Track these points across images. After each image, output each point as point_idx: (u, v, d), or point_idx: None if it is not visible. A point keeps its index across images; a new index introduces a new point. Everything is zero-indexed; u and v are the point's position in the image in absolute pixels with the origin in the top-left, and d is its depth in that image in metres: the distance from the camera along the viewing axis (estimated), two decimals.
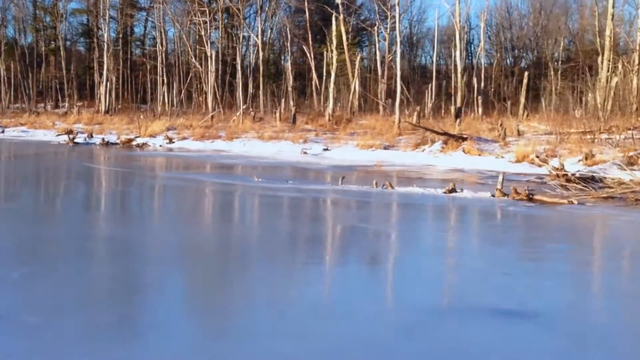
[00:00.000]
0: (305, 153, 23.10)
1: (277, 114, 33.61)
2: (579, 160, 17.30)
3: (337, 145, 24.88)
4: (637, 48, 29.36)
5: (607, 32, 32.22)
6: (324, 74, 46.19)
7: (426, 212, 11.23)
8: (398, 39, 32.18)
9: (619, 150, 17.82)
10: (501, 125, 23.99)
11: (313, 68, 47.79)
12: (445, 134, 22.02)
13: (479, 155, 19.96)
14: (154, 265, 6.61)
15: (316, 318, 4.94)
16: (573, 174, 15.25)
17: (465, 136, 22.01)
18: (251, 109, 40.59)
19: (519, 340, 4.50)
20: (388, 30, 50.25)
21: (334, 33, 39.68)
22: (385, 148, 23.00)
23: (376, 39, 50.95)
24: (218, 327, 4.86)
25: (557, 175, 15.40)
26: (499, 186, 12.61)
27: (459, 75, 36.71)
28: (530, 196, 12.13)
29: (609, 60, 31.83)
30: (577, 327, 4.91)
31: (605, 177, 15.26)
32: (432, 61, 55.40)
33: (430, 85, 42.09)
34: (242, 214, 11.32)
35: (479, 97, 36.86)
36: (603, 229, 9.69)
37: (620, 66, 31.91)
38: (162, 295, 5.58)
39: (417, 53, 64.16)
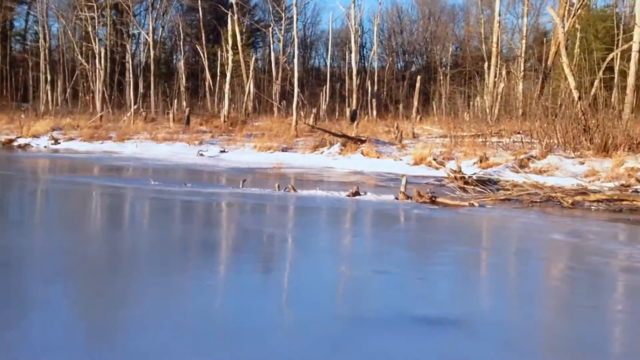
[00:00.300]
0: (201, 155, 22.59)
1: (171, 115, 32.78)
2: (474, 163, 17.71)
3: (234, 147, 24.48)
4: (522, 55, 30.51)
5: (494, 39, 33.37)
6: (218, 74, 45.57)
7: (332, 216, 11.08)
8: (296, 41, 32.08)
9: (510, 153, 18.37)
10: (397, 128, 24.31)
11: (207, 68, 47.05)
12: (343, 136, 22.07)
13: (378, 157, 20.11)
14: (33, 279, 5.94)
15: (222, 332, 4.58)
16: (470, 177, 15.58)
17: (363, 138, 22.14)
18: (142, 110, 39.44)
19: (449, 348, 4.37)
20: (283, 31, 50.27)
21: (229, 33, 39.10)
22: (284, 150, 22.82)
23: (271, 40, 50.79)
24: (106, 347, 4.28)
25: (455, 178, 15.70)
26: (402, 189, 12.65)
27: (354, 78, 37.03)
28: (433, 199, 12.23)
29: (496, 66, 32.98)
30: (502, 332, 4.84)
31: (500, 180, 15.69)
32: (326, 64, 55.94)
33: (324, 87, 42.36)
34: (136, 219, 10.73)
35: (374, 100, 37.31)
36: (505, 231, 9.82)
37: (504, 72, 33.12)
38: (41, 315, 4.86)
39: (311, 55, 64.50)
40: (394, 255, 7.76)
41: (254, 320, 4.78)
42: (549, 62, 32.68)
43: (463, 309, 5.34)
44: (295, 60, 31.26)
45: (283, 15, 50.68)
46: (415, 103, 34.96)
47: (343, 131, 24.30)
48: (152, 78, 45.47)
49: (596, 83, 27.84)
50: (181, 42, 49.05)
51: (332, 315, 5.07)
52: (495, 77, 32.47)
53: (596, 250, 7.94)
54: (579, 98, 18.43)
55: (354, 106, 36.50)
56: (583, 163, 16.26)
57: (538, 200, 12.43)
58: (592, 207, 11.84)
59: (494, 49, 32.92)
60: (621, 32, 28.34)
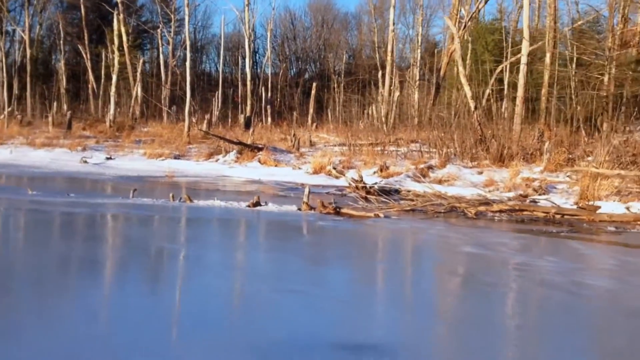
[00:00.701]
0: (85, 162, 21.46)
1: (50, 119, 31.14)
2: (375, 172, 17.64)
3: (121, 153, 23.46)
4: (417, 64, 30.97)
5: (389, 48, 33.78)
6: (103, 76, 43.89)
7: (231, 229, 10.57)
8: (188, 43, 31.24)
9: (410, 162, 18.45)
10: (294, 135, 24.04)
11: (90, 70, 45.20)
12: (240, 143, 21.56)
13: (276, 166, 19.73)
14: None
15: None
16: (372, 186, 15.45)
17: (260, 146, 21.70)
18: (17, 112, 37.36)
19: None
20: (172, 34, 49.17)
21: (115, 33, 37.69)
22: (176, 157, 22.04)
23: (159, 43, 49.43)
24: None
25: (357, 187, 15.52)
26: (305, 199, 12.32)
27: (248, 83, 36.55)
28: (337, 210, 11.97)
29: (391, 75, 33.37)
30: (432, 356, 4.55)
31: (401, 189, 15.65)
32: (218, 69, 55.10)
33: (216, 93, 41.58)
34: (10, 235, 9.59)
35: (268, 107, 36.95)
36: (416, 244, 9.64)
37: (395, 81, 33.58)
38: None
39: (201, 59, 63.37)
40: (300, 271, 7.37)
41: (139, 351, 4.26)
42: (442, 72, 33.40)
43: (389, 333, 5.03)
44: (187, 64, 30.43)
45: (172, 17, 49.56)
46: (311, 110, 34.86)
47: (238, 138, 23.80)
48: (28, 79, 43.21)
49: (487, 93, 28.68)
50: (61, 42, 46.93)
51: (231, 343, 4.59)
52: (390, 85, 32.81)
53: (509, 263, 7.87)
54: (475, 108, 18.75)
55: (248, 113, 35.97)
56: (481, 173, 16.49)
57: (442, 210, 12.41)
58: (495, 218, 11.91)
59: (388, 58, 33.30)
60: (509, 45, 29.25)
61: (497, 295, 6.42)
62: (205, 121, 28.38)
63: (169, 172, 18.87)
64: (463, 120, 20.29)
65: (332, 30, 61.05)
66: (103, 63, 44.57)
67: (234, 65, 59.90)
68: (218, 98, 40.90)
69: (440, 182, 16.14)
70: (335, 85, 49.65)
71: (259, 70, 54.93)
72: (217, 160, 21.07)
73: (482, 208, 12.10)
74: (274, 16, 51.00)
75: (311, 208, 12.14)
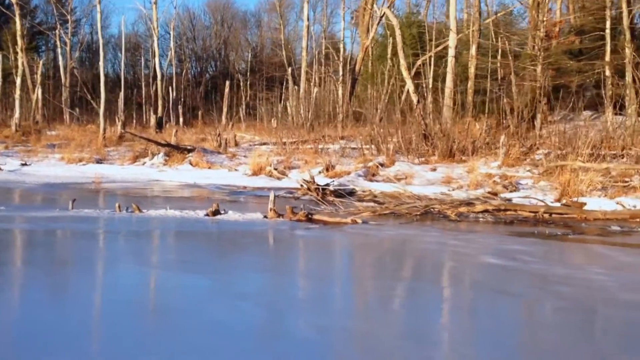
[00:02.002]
0: None
1: None
2: (320, 172, 16.20)
3: (36, 159, 20.93)
4: (340, 59, 29.74)
5: (304, 45, 32.44)
6: (0, 80, 40.28)
7: (204, 245, 8.84)
8: (101, 42, 28.67)
9: (354, 160, 17.11)
10: (219, 135, 22.26)
11: None
12: (168, 145, 19.56)
13: (209, 168, 17.93)
14: None
15: None
16: (325, 187, 14.05)
17: (189, 147, 19.80)
18: None
19: None
20: (69, 35, 46.37)
21: (18, 33, 34.39)
22: (98, 162, 19.80)
23: (58, 44, 46.16)
24: None
25: (309, 189, 14.07)
26: (271, 205, 10.75)
27: (159, 82, 34.36)
28: (309, 216, 10.48)
29: (306, 72, 32.02)
30: None
31: (356, 190, 14.34)
32: (117, 70, 52.14)
33: (119, 94, 38.93)
34: None
35: (179, 107, 34.83)
36: (426, 256, 8.18)
37: (316, 77, 32.31)
38: None
39: (99, 61, 59.86)
40: (301, 293, 5.90)
41: None
42: (357, 68, 32.35)
43: None
44: (101, 64, 28.02)
45: (69, 17, 46.58)
46: (225, 110, 33.00)
47: (156, 140, 21.74)
48: None
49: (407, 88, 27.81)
50: None
51: None
52: (305, 82, 31.45)
53: (550, 278, 6.64)
54: (417, 102, 17.66)
55: (159, 113, 33.71)
56: (434, 170, 15.38)
57: (417, 213, 11.12)
58: (480, 219, 10.75)
59: (304, 54, 31.92)
60: (433, 38, 28.47)
61: (578, 323, 5.15)
62: (120, 123, 26.06)
63: (96, 178, 16.76)
64: (396, 116, 19.13)
65: (232, 29, 59.19)
66: (1, 65, 41.00)
67: (131, 66, 57.19)
68: (121, 99, 38.36)
69: (392, 180, 14.90)
70: (242, 84, 47.82)
71: (163, 71, 52.30)
72: (144, 164, 19.03)
73: (463, 209, 10.90)
74: (177, 15, 48.45)
75: (279, 215, 10.59)
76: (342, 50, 32.42)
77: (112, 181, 16.91)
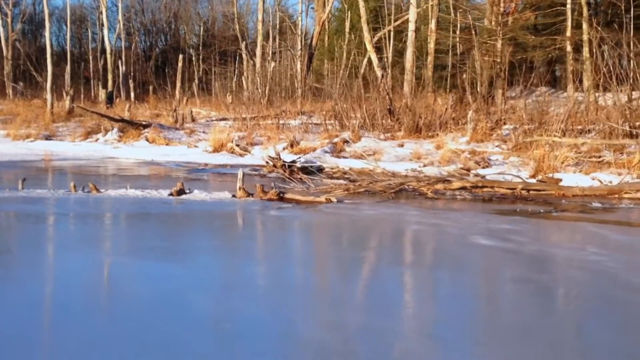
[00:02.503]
0: None
1: None
2: (284, 148, 15.57)
3: None
4: (300, 33, 28.95)
5: (260, 17, 31.52)
6: None
7: (168, 226, 8.12)
8: (46, 12, 27.24)
9: (319, 136, 16.50)
10: (175, 111, 21.37)
11: None
12: (122, 120, 18.57)
13: (167, 144, 17.09)
14: None
15: None
16: (292, 164, 13.45)
17: (145, 123, 18.87)
18: None
19: None
20: (10, 6, 44.52)
21: None
22: (47, 138, 18.72)
23: None
24: None
25: (275, 166, 13.46)
26: (240, 184, 10.09)
27: (108, 56, 33.08)
28: (281, 195, 9.87)
29: (262, 46, 31.16)
30: None
31: (323, 166, 13.78)
32: (62, 43, 50.24)
33: (65, 67, 37.38)
34: None
35: (130, 81, 33.59)
36: (416, 237, 7.66)
37: (270, 51, 31.45)
38: None
39: (42, 33, 57.70)
40: (332, 290, 5.32)
41: None
42: (314, 42, 31.61)
43: None
44: (47, 35, 26.65)
45: None
46: (178, 84, 31.86)
47: (108, 114, 20.68)
48: None
49: (365, 63, 27.29)
50: None
51: None
52: (262, 56, 30.61)
53: (558, 260, 6.21)
54: (382, 76, 17.11)
55: (110, 88, 32.42)
56: (402, 145, 14.90)
57: (392, 190, 10.60)
58: (457, 196, 10.29)
59: (259, 28, 31.03)
60: (393, 12, 27.90)
61: (607, 314, 4.70)
62: (68, 97, 24.84)
63: (46, 155, 15.80)
64: (358, 90, 18.54)
65: (182, 2, 57.52)
66: None
67: (78, 40, 55.28)
68: (67, 73, 36.81)
69: (361, 157, 14.36)
70: (194, 58, 46.54)
71: (111, 44, 50.61)
72: (97, 140, 18.04)
73: (439, 186, 10.43)
74: None
75: (248, 194, 9.95)
76: (299, 24, 31.58)
77: (64, 159, 15.95)
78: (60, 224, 8.08)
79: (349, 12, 28.57)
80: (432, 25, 23.98)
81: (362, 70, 26.81)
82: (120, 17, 44.41)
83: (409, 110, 16.00)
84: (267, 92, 28.08)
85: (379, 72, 17.23)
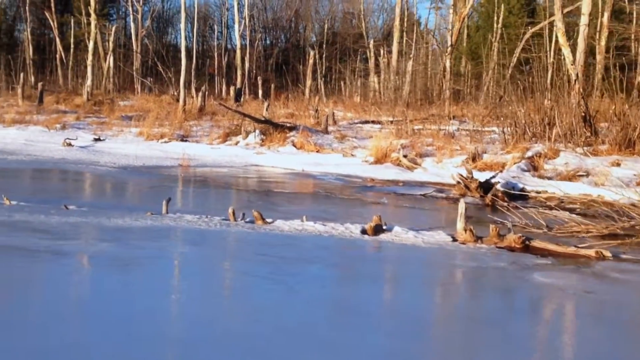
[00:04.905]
0: (69, 145, 15.39)
1: (19, 91, 24.69)
2: (462, 163, 12.26)
3: (110, 133, 17.48)
4: (451, 30, 25.49)
5: (397, 12, 28.27)
6: (72, 45, 37.40)
7: (376, 297, 5.06)
8: (183, 8, 25.05)
9: (504, 147, 13.06)
10: (317, 111, 18.48)
11: (57, 39, 38.59)
12: (267, 121, 15.74)
13: (317, 151, 14.13)
14: None
15: None
16: (490, 184, 10.17)
17: (289, 125, 16.02)
18: None
19: None
20: (141, 3, 43.26)
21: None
22: (182, 139, 16.20)
23: (130, 11, 43.19)
24: None
25: (468, 188, 10.20)
26: (461, 223, 6.92)
27: (238, 52, 30.85)
28: (526, 243, 6.62)
29: (399, 43, 27.91)
30: None
31: (526, 189, 10.41)
32: (192, 38, 48.82)
33: (190, 65, 35.52)
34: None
35: (259, 78, 31.20)
36: None
37: (394, 50, 28.14)
38: None
39: (167, 31, 56.78)
40: None
41: None
42: (453, 39, 28.05)
43: None
44: (182, 32, 24.46)
45: None
46: (308, 83, 29.16)
47: (251, 114, 17.97)
48: None
49: (514, 62, 23.62)
50: (26, 10, 39.88)
51: None
52: (398, 54, 27.36)
53: None
54: (576, 77, 13.52)
55: (238, 84, 30.08)
56: (618, 164, 11.28)
57: None
58: None
59: (396, 23, 27.78)
60: (547, 5, 23.97)
61: None
62: (200, 94, 22.46)
63: (183, 160, 13.18)
64: (564, 96, 14.88)
65: (303, 0, 55.08)
66: (72, 32, 38.13)
67: (203, 37, 53.94)
68: (192, 70, 34.95)
69: (569, 178, 10.90)
70: (317, 56, 43.81)
71: (229, 43, 49.08)
72: (236, 144, 15.33)
73: None
74: None
75: (477, 239, 6.75)
76: (451, 19, 28.03)
77: (203, 164, 13.30)
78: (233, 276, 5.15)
79: (500, 2, 24.85)
80: (605, 18, 20.08)
81: (510, 69, 23.17)
82: (246, 13, 42.39)
83: (618, 119, 12.35)
84: (405, 94, 24.88)
85: (573, 71, 13.60)
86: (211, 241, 6.39)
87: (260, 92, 30.08)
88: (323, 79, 36.54)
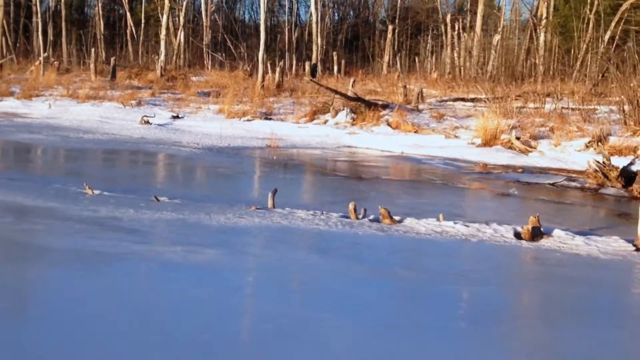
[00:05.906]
0: (147, 122, 14.36)
1: (93, 66, 23.96)
2: (587, 146, 10.67)
3: (187, 110, 16.43)
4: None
5: None
6: (142, 20, 36.68)
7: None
8: None
9: (629, 128, 11.37)
10: (405, 87, 16.99)
11: (128, 13, 37.96)
12: (359, 99, 14.36)
13: (415, 132, 12.71)
14: None
15: None
16: (630, 173, 8.61)
17: (379, 102, 14.60)
18: (53, 59, 30.21)
19: None
20: None
21: None
22: (266, 117, 15.00)
23: None
24: None
25: (607, 177, 8.66)
26: None
27: (314, 26, 29.47)
28: None
29: (483, 17, 26.01)
30: None
31: None
32: (257, 15, 47.66)
33: (260, 40, 34.32)
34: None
35: (334, 53, 29.77)
36: None
37: (478, 24, 26.22)
38: None
39: (235, 7, 55.74)
40: None
41: None
42: (539, 13, 26.01)
43: None
44: (263, 4, 23.24)
45: None
46: (386, 58, 27.58)
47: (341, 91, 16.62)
48: (63, 24, 35.99)
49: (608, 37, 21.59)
50: None
51: None
52: (481, 29, 25.49)
53: None
54: None
55: (314, 60, 28.75)
56: None
57: None
58: None
59: None
60: None
61: None
62: (278, 69, 21.25)
63: (271, 140, 11.95)
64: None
65: None
66: (142, 7, 37.39)
67: (271, 12, 52.69)
68: (263, 46, 33.78)
69: None
70: (390, 31, 41.96)
71: (296, 18, 47.71)
72: (325, 122, 14.04)
73: None
74: None
75: None
76: None
77: (292, 145, 12.07)
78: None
79: None
80: None
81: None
82: None
83: None
84: (492, 69, 23.11)
85: None
86: (339, 247, 5.12)
87: (335, 68, 28.68)
88: (398, 54, 34.82)
